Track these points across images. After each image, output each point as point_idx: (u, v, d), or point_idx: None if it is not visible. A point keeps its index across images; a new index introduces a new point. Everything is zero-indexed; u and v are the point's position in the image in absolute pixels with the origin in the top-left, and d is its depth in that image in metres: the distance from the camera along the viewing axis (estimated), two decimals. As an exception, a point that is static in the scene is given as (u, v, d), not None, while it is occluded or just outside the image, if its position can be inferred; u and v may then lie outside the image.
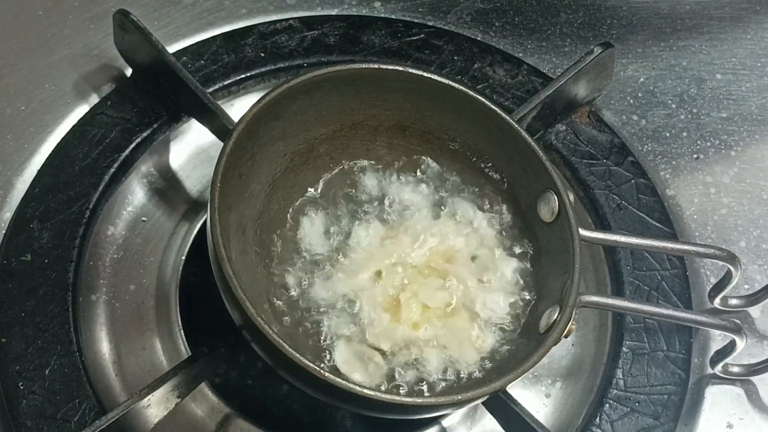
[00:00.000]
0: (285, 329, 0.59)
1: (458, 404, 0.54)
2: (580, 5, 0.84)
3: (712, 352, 0.67)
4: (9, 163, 0.69)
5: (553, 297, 0.58)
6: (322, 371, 0.50)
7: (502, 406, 0.60)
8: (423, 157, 0.67)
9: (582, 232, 0.59)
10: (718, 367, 0.66)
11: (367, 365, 0.58)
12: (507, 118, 0.62)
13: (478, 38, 0.80)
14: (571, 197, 0.60)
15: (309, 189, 0.65)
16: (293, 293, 0.61)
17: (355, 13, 0.80)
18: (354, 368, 0.58)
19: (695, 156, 0.77)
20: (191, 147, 0.73)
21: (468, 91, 0.62)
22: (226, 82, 0.73)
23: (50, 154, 0.68)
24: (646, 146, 0.77)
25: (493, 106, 0.62)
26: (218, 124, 0.66)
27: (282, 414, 0.76)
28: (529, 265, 0.63)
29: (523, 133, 0.62)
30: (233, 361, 0.77)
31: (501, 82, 0.76)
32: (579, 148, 0.74)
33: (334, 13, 0.80)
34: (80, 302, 0.64)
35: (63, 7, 0.76)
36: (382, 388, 0.58)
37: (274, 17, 0.78)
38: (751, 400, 0.67)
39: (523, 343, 0.59)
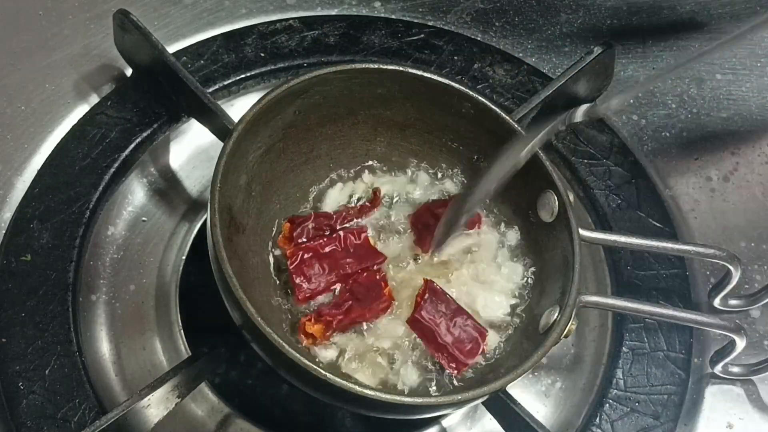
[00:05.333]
0: (285, 329, 0.59)
1: (458, 404, 0.54)
2: (580, 5, 0.84)
3: (712, 352, 0.67)
4: (9, 163, 0.69)
5: (553, 297, 0.58)
6: (322, 371, 0.50)
7: (502, 406, 0.60)
8: (423, 157, 0.67)
9: (582, 232, 0.59)
10: (718, 367, 0.66)
11: (367, 364, 0.58)
12: (507, 118, 0.62)
13: (478, 38, 0.80)
14: (571, 197, 0.60)
15: (309, 189, 0.65)
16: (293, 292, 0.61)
17: (355, 13, 0.80)
18: (354, 368, 0.58)
19: (695, 156, 0.77)
20: (191, 147, 0.73)
21: (468, 91, 0.62)
22: (226, 82, 0.73)
23: (50, 154, 0.68)
24: (646, 146, 0.77)
25: (493, 106, 0.62)
26: (218, 124, 0.66)
27: (282, 414, 0.76)
28: (529, 265, 0.63)
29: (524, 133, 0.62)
30: (233, 361, 0.77)
31: (501, 82, 0.76)
32: (579, 148, 0.74)
33: (334, 13, 0.80)
34: (80, 302, 0.64)
35: (63, 7, 0.76)
36: (382, 387, 0.58)
37: (274, 17, 0.78)
38: (751, 400, 0.67)
39: (523, 343, 0.59)
